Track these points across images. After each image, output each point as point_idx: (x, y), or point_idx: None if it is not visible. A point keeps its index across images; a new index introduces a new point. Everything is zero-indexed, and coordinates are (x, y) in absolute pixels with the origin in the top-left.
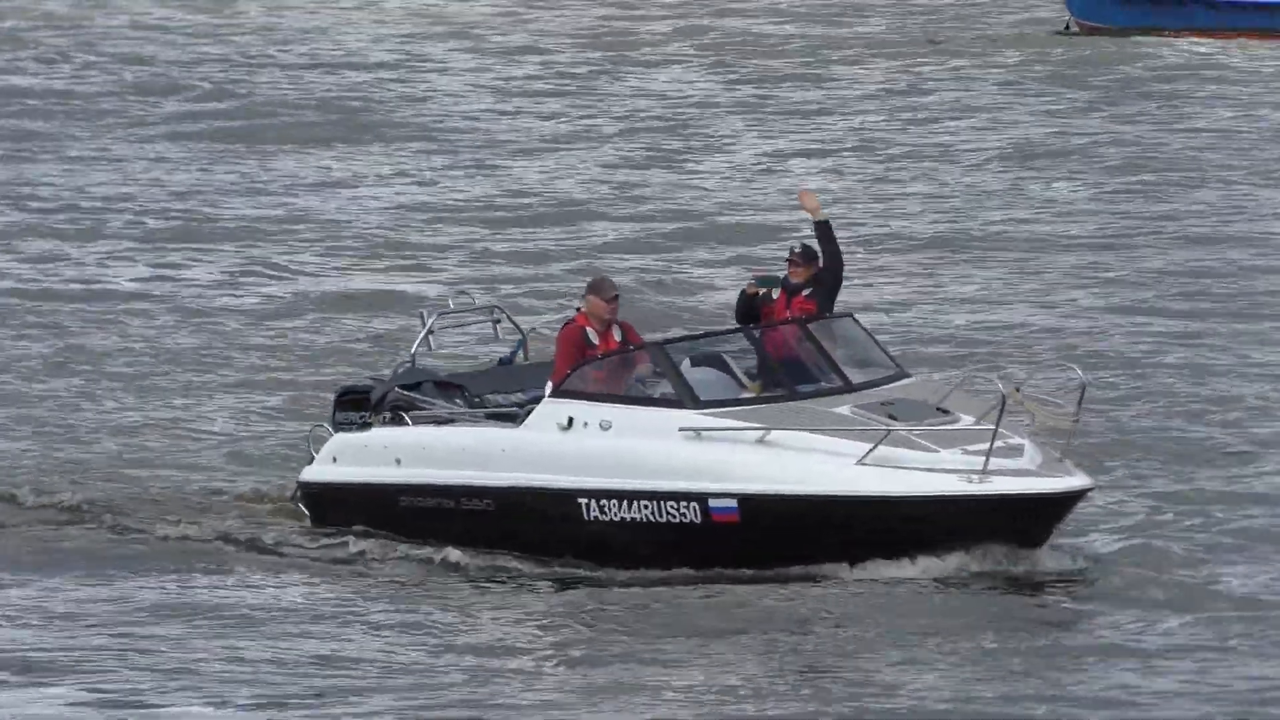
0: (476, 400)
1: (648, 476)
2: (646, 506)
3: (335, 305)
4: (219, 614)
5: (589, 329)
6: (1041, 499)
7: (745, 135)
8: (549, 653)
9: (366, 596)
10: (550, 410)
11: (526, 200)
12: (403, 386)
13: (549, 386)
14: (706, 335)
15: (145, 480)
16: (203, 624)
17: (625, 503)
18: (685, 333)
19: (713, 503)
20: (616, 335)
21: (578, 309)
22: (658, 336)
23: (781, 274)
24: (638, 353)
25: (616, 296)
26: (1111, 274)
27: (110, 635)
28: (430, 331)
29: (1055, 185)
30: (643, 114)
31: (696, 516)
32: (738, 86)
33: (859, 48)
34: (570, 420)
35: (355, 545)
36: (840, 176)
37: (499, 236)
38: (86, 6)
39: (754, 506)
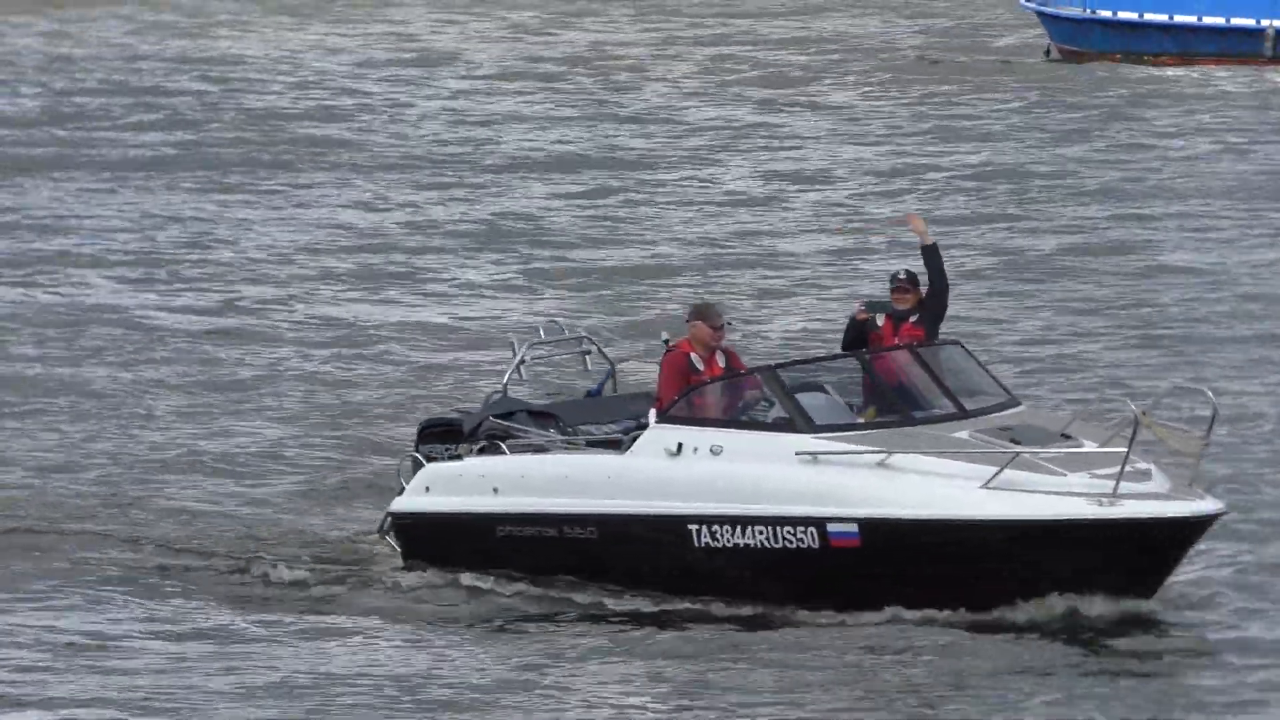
0: (570, 431)
1: (763, 501)
2: (761, 532)
3: (392, 338)
4: (280, 644)
5: (693, 355)
6: (1175, 522)
7: (743, 161)
8: (621, 688)
9: (446, 630)
10: (657, 436)
11: (561, 226)
12: (495, 416)
13: (652, 413)
14: (818, 359)
15: (214, 518)
16: (257, 655)
17: (739, 528)
18: (795, 357)
19: (832, 527)
20: (721, 362)
21: (665, 341)
22: (768, 361)
23: (886, 299)
24: (748, 377)
25: (724, 324)
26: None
27: (168, 676)
28: (522, 361)
29: (1044, 208)
30: (654, 139)
31: (815, 542)
32: (736, 113)
33: (848, 73)
34: (679, 446)
35: (447, 577)
36: (837, 204)
37: (541, 264)
38: (65, 38)
39: (875, 531)
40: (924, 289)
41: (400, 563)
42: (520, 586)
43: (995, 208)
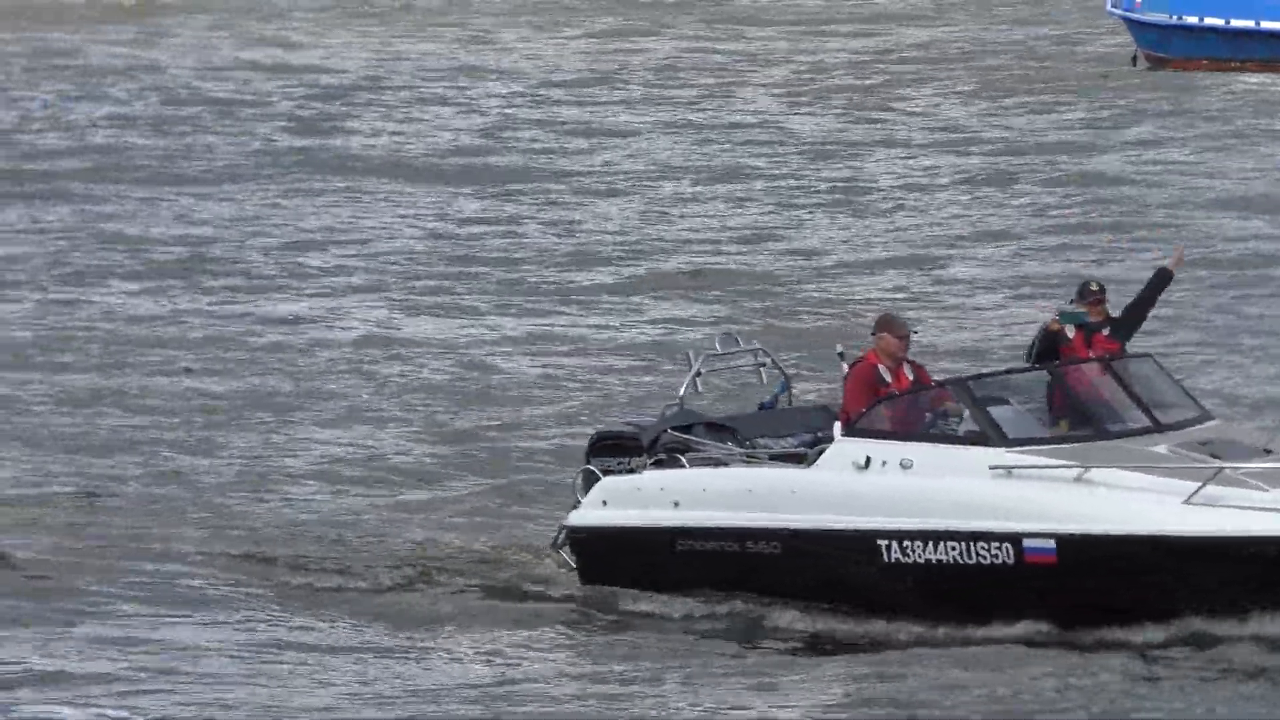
0: (747, 444)
1: (955, 516)
2: (954, 548)
3: (537, 350)
4: (452, 660)
5: (881, 366)
6: None
7: (845, 171)
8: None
9: (620, 646)
10: (845, 449)
11: (714, 235)
12: (672, 429)
13: (837, 426)
14: (1010, 372)
15: (368, 532)
16: (430, 672)
17: (930, 544)
18: (986, 370)
19: (1028, 543)
20: (908, 373)
21: (840, 354)
22: (957, 374)
23: (1071, 307)
24: (938, 390)
25: (908, 334)
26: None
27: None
28: (698, 374)
29: (1149, 218)
30: (753, 148)
31: (1009, 558)
32: (832, 122)
33: (938, 82)
34: (867, 460)
35: (622, 591)
36: (955, 215)
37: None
38: (154, 47)
39: (1073, 547)
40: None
41: (574, 576)
42: (695, 602)
43: (1098, 217)
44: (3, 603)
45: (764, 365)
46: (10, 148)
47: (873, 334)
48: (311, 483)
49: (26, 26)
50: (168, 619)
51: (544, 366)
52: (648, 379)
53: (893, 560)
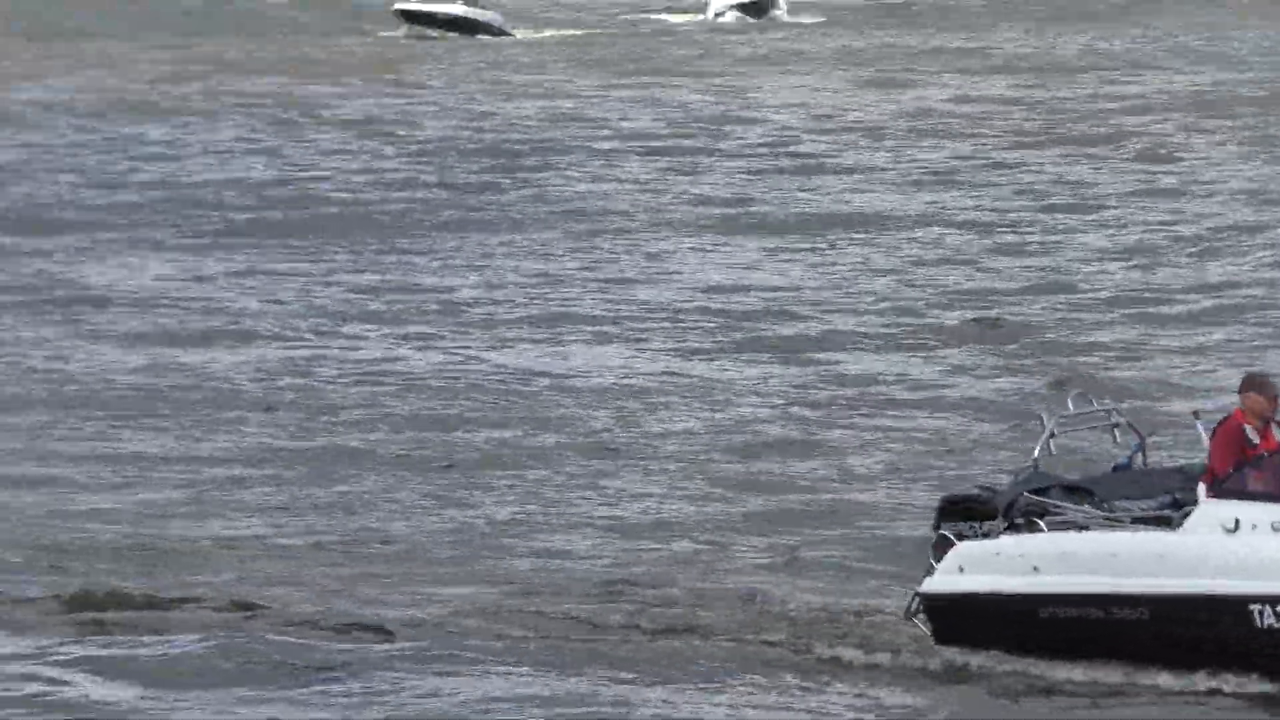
0: (1105, 506)
1: None
2: None
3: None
4: None
5: (1248, 427)
6: None
7: (1116, 217)
8: None
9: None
10: (1213, 511)
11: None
12: (1029, 492)
13: (1202, 488)
14: None
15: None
16: None
17: None
18: None
19: None
20: (1276, 434)
21: (1194, 413)
22: None
23: None
24: None
25: (1278, 395)
26: None
27: None
28: (1051, 435)
29: None
30: (993, 197)
31: None
32: (1084, 169)
33: (1192, 129)
34: (1237, 522)
35: (983, 660)
36: (1241, 261)
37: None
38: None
39: None
40: None
41: (931, 644)
42: (1057, 669)
43: None
44: (257, 659)
45: (1117, 425)
46: (278, 196)
47: (1239, 393)
48: (581, 532)
49: (287, 79)
50: (429, 672)
51: (820, 422)
52: (923, 434)
53: (1265, 625)
